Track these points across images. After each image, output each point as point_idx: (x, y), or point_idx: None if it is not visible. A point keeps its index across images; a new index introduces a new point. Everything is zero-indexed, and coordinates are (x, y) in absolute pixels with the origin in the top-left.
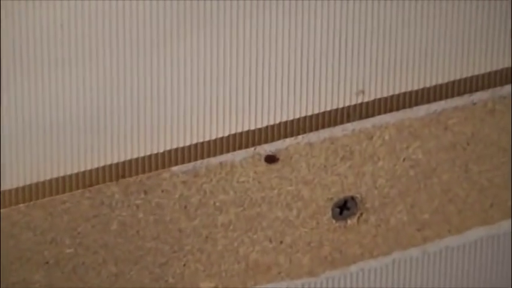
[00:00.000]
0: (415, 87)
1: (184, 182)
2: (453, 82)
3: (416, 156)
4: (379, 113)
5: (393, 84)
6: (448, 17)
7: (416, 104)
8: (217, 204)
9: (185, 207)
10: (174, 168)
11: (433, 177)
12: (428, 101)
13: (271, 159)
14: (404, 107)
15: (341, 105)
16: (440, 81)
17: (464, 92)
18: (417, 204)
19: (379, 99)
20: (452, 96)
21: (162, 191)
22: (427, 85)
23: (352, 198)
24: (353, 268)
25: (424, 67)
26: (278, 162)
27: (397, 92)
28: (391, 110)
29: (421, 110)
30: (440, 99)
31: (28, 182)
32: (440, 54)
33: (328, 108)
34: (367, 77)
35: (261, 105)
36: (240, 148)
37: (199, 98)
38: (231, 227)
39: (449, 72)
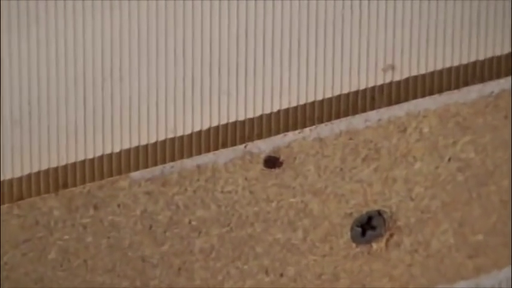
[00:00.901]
0: (464, 61)
1: (148, 193)
2: None
3: (466, 155)
4: (415, 97)
5: (433, 57)
6: None
7: (466, 84)
8: (194, 223)
9: (150, 227)
10: (135, 174)
11: (490, 184)
12: (482, 80)
13: (272, 162)
14: (449, 88)
15: (363, 86)
16: (498, 53)
17: None
18: (468, 221)
19: (415, 78)
20: None
21: (119, 206)
22: (480, 58)
23: (379, 213)
24: None
25: (477, 35)
26: (281, 167)
27: (439, 68)
28: (431, 93)
29: (473, 92)
30: (499, 77)
31: None
32: (497, 22)
33: (345, 91)
34: (398, 47)
35: (252, 88)
36: (224, 146)
37: (167, 80)
38: (213, 255)
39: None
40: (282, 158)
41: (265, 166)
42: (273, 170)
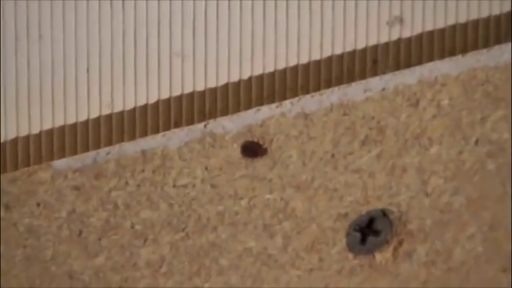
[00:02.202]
0: (495, 11)
1: (77, 188)
2: None
3: (499, 135)
4: (431, 59)
5: (454, 6)
6: None
7: (498, 42)
8: (138, 227)
9: (80, 233)
10: (59, 163)
11: None
12: None
13: (253, 149)
14: (475, 48)
15: (361, 45)
16: None
17: None
18: (501, 223)
19: (430, 34)
20: None
21: (38, 205)
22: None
23: (384, 213)
24: None
25: None
26: (264, 156)
27: (461, 20)
28: (451, 54)
29: (506, 53)
30: None
31: None
32: None
33: (338, 51)
34: None
35: (214, 49)
36: (178, 125)
37: (102, 39)
38: (164, 269)
39: None
40: (265, 142)
41: (244, 155)
42: (254, 159)
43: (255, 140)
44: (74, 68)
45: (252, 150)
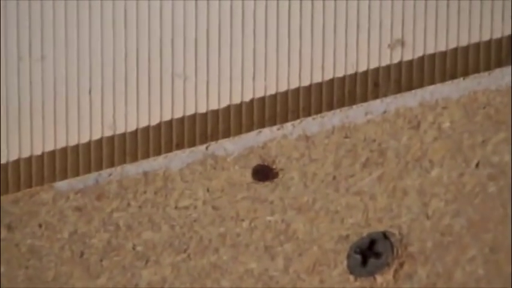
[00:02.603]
0: (497, 35)
1: (79, 209)
2: None
3: (500, 158)
4: (432, 82)
5: (456, 29)
6: None
7: (499, 65)
8: (140, 248)
9: (81, 254)
10: (61, 185)
11: None
12: None
13: (264, 173)
14: (477, 71)
15: (363, 68)
16: None
17: None
18: (502, 245)
19: (431, 57)
20: None
21: (40, 226)
22: None
23: (385, 236)
24: None
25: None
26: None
27: (463, 44)
28: (453, 77)
29: (507, 76)
30: None
31: None
32: None
33: (340, 74)
34: (409, 17)
35: (216, 70)
36: (180, 147)
37: (104, 62)
38: None
39: None
40: (276, 165)
41: (255, 178)
42: (265, 183)
43: (265, 163)
44: (76, 89)
45: (264, 173)
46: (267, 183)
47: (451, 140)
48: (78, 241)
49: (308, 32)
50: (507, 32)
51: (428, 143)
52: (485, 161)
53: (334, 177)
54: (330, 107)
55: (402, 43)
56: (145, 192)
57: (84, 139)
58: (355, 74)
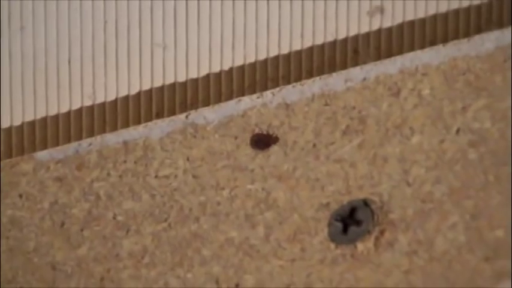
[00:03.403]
0: (476, 0)
1: (59, 180)
2: None
3: (480, 124)
4: (411, 48)
5: None
6: None
7: (479, 32)
8: (120, 217)
9: (62, 224)
10: (41, 155)
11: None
12: (500, 25)
13: (265, 141)
14: (456, 37)
15: (342, 35)
16: None
17: None
18: (484, 212)
19: (411, 23)
20: None
21: (20, 196)
22: None
23: (366, 203)
24: None
25: None
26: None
27: (442, 10)
28: (432, 43)
29: (488, 42)
30: None
31: None
32: None
33: (319, 41)
34: None
35: (195, 39)
36: (159, 116)
37: (83, 29)
38: (146, 260)
39: None
40: (274, 130)
41: (256, 147)
42: (265, 150)
43: (263, 131)
44: (55, 59)
45: (264, 141)
46: (264, 151)
47: (431, 107)
48: (58, 211)
49: (287, 0)
50: None
51: (408, 110)
52: (466, 127)
53: (314, 145)
54: (310, 75)
55: (381, 10)
56: (125, 161)
57: (64, 109)
58: (335, 41)
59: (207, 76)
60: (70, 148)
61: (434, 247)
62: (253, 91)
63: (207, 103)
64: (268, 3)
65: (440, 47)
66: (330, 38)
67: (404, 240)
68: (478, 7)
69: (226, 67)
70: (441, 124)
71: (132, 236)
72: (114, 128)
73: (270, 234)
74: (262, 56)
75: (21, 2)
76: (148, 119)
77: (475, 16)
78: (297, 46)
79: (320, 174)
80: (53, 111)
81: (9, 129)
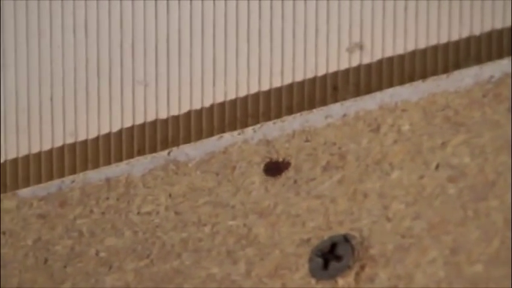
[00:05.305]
0: (454, 37)
1: (42, 217)
2: None
3: (459, 160)
4: (391, 85)
5: (414, 32)
6: None
7: (458, 68)
8: (103, 254)
9: (45, 261)
10: (24, 192)
11: (490, 199)
12: (479, 62)
13: (277, 168)
14: (435, 73)
15: (322, 72)
16: (498, 27)
17: None
18: (463, 247)
19: (390, 60)
20: None
21: (4, 234)
22: (475, 33)
23: (346, 239)
24: None
25: (470, 4)
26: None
27: (421, 46)
28: (411, 79)
29: (467, 78)
30: (500, 57)
31: None
32: None
33: (299, 78)
34: (367, 20)
35: (176, 77)
36: (141, 153)
37: (65, 68)
38: None
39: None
40: (285, 156)
41: (269, 175)
42: (277, 177)
43: (273, 159)
44: (37, 97)
45: (276, 168)
46: (282, 175)
47: (410, 143)
48: (42, 248)
49: (267, 36)
50: (465, 34)
51: (388, 145)
52: (445, 163)
53: (295, 181)
54: (290, 111)
55: (361, 46)
56: (107, 198)
57: (46, 146)
58: (314, 78)
59: (188, 113)
60: (53, 185)
61: (414, 282)
62: (234, 127)
63: (188, 140)
64: (248, 40)
65: (419, 82)
66: (310, 75)
67: (384, 275)
68: (456, 43)
69: (207, 104)
70: (420, 160)
71: (114, 272)
72: (96, 165)
73: (251, 270)
74: (242, 93)
75: (3, 39)
76: (130, 155)
77: (454, 52)
78: (277, 83)
79: (301, 210)
80: (35, 149)
81: None
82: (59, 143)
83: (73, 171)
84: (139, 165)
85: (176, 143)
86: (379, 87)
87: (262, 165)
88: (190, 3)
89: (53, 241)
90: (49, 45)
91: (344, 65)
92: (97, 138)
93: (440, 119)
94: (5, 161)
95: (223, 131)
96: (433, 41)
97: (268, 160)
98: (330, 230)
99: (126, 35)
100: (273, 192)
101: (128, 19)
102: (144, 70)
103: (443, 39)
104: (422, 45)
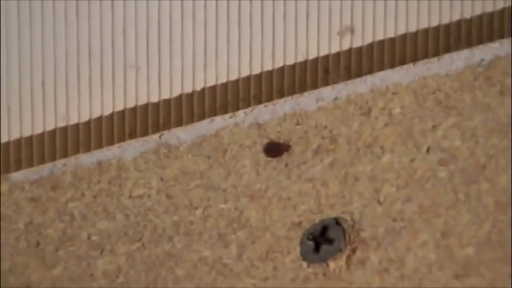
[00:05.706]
0: (445, 20)
1: (34, 200)
2: None
3: (450, 143)
4: (382, 68)
5: (405, 15)
6: None
7: (449, 51)
8: (95, 238)
9: (37, 245)
10: (16, 176)
11: (481, 182)
12: (469, 45)
13: (277, 149)
14: (426, 57)
15: (313, 55)
16: (489, 10)
17: None
18: (454, 230)
19: (381, 43)
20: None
21: None
22: (466, 16)
23: (337, 222)
24: None
25: None
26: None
27: (412, 29)
28: (402, 63)
29: (457, 61)
30: (491, 40)
31: None
32: None
33: (290, 62)
34: (358, 3)
35: (167, 60)
36: (133, 137)
37: (57, 52)
38: (121, 279)
39: None
40: (285, 138)
41: (269, 155)
42: (278, 158)
43: (274, 140)
44: (29, 81)
45: (276, 149)
46: (283, 157)
47: (401, 126)
48: (33, 231)
49: (258, 20)
50: (456, 17)
51: (379, 129)
52: (436, 146)
53: (286, 164)
54: (281, 95)
55: (352, 30)
56: (99, 182)
57: (38, 130)
58: (305, 61)
59: (180, 96)
60: (45, 169)
61: (405, 265)
62: (225, 111)
63: (179, 123)
64: (239, 25)
65: (410, 66)
66: (301, 59)
67: (376, 258)
68: (447, 26)
69: (198, 87)
70: (411, 143)
71: (106, 255)
72: (88, 149)
73: (243, 253)
74: (233, 77)
75: None
76: (122, 139)
77: (445, 35)
78: (268, 66)
79: (292, 193)
80: (27, 133)
81: None
82: (50, 126)
83: (65, 154)
84: (131, 148)
85: (167, 126)
86: (370, 71)
87: (262, 146)
88: None
89: (45, 224)
90: (40, 29)
91: (335, 49)
92: (88, 122)
93: (431, 102)
94: None
95: (214, 115)
96: (423, 25)
97: (268, 141)
98: (321, 213)
99: (117, 18)
100: (265, 175)
101: (119, 3)
102: (136, 54)
103: (434, 23)
104: (413, 28)
